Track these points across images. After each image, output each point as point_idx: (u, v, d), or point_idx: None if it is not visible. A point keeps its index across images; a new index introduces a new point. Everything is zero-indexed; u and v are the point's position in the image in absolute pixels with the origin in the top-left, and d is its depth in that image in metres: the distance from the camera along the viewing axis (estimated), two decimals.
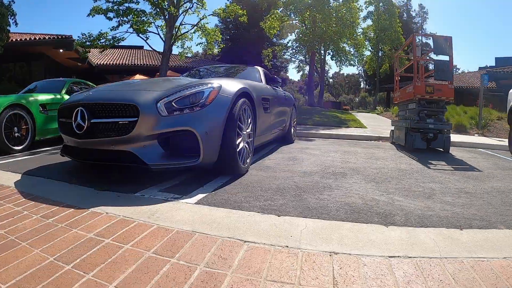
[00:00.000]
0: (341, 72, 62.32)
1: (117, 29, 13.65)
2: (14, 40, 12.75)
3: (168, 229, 1.76)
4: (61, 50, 14.63)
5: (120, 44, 15.12)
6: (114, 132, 2.58)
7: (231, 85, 3.04)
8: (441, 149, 5.84)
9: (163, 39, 14.31)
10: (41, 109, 5.13)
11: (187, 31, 15.24)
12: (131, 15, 13.26)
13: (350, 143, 6.89)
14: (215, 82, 2.92)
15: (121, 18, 13.29)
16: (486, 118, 10.58)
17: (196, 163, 2.62)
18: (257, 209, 2.12)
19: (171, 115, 2.56)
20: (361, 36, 20.42)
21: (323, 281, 1.28)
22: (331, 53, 19.20)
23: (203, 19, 14.75)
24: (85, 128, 2.65)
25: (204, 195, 2.43)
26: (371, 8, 28.18)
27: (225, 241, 1.62)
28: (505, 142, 8.15)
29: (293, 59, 25.17)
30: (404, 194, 2.64)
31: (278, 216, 1.97)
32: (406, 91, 6.36)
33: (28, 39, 13.51)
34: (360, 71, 42.38)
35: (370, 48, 27.48)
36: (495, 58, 29.07)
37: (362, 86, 63.92)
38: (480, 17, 69.18)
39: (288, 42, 22.33)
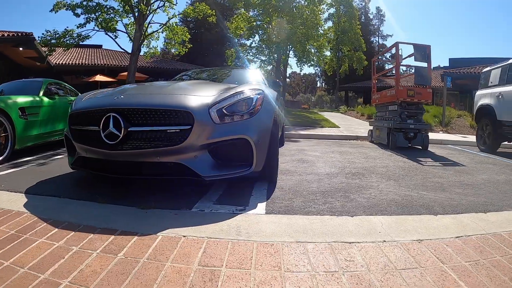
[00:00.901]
0: (297, 72, 63.99)
1: (85, 26, 13.11)
2: None
3: (274, 244, 1.72)
4: (20, 48, 13.53)
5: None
6: (161, 142, 2.33)
7: (268, 91, 3.07)
8: (420, 147, 6.47)
9: (131, 38, 14.00)
10: (21, 114, 4.53)
11: (156, 30, 15.04)
12: (99, 12, 12.80)
13: (334, 143, 7.32)
14: (257, 88, 2.83)
15: (89, 15, 12.77)
16: (448, 116, 11.63)
17: (248, 172, 2.51)
18: (326, 212, 2.26)
19: (223, 123, 2.42)
20: (322, 38, 21.16)
21: (434, 261, 1.60)
22: (296, 54, 19.80)
23: (172, 18, 14.64)
24: (120, 137, 2.34)
25: (262, 203, 2.42)
26: (332, 10, 29.41)
27: (336, 245, 1.72)
28: (467, 138, 9.13)
29: (254, 59, 25.51)
30: (424, 189, 3.03)
31: (352, 216, 2.18)
32: (387, 94, 6.94)
33: None
34: (317, 71, 43.96)
35: (329, 49, 28.61)
36: (449, 59, 31.52)
37: (318, 85, 66.10)
38: (434, 18, 74.33)
39: (251, 43, 22.47)
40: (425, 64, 6.41)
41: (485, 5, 68.89)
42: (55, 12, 13.05)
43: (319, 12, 21.15)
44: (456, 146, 7.81)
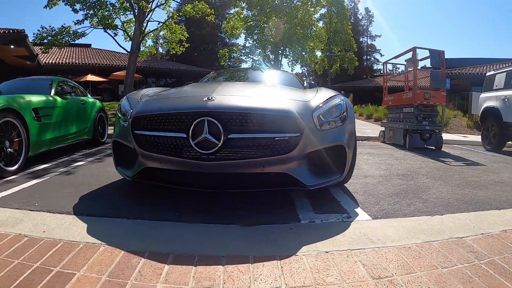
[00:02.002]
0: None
1: (83, 23, 12.98)
2: None
3: (411, 246, 1.84)
4: (12, 46, 13.11)
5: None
6: (267, 151, 2.18)
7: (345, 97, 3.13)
8: (434, 147, 6.95)
9: (129, 36, 13.94)
10: (34, 115, 4.12)
11: (156, 29, 15.07)
12: (99, 8, 12.64)
13: None
14: (337, 93, 2.86)
15: (88, 11, 12.62)
16: (445, 116, 12.27)
17: (340, 179, 2.54)
18: (417, 213, 2.49)
19: (323, 130, 2.39)
20: (316, 38, 21.68)
21: None
22: (290, 54, 20.28)
23: (171, 17, 14.70)
24: (219, 145, 2.11)
25: (358, 209, 2.53)
26: (323, 11, 29.98)
27: (455, 240, 1.94)
28: (468, 138, 9.74)
29: (245, 59, 25.85)
30: (471, 188, 3.38)
31: (441, 215, 2.44)
32: (402, 97, 7.40)
33: None
34: (304, 70, 44.66)
35: (321, 49, 29.18)
36: None
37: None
38: (425, 18, 76.27)
39: (245, 43, 22.77)
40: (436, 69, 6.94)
41: (475, 6, 71.23)
42: (50, 8, 12.81)
43: (313, 13, 21.69)
44: (461, 146, 8.34)
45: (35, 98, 4.35)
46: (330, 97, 2.66)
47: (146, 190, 2.98)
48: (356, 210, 2.51)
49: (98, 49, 24.64)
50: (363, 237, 1.96)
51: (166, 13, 14.77)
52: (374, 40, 47.09)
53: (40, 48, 13.39)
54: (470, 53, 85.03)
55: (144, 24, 13.88)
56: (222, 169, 2.20)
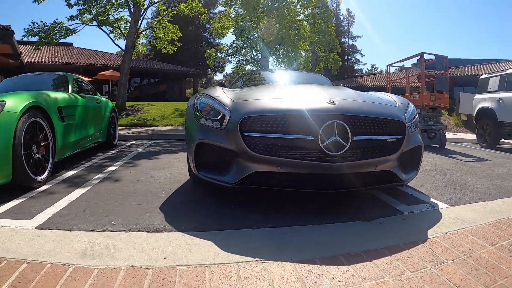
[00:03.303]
0: None
1: (77, 18, 12.76)
2: None
3: (493, 223, 2.27)
4: None
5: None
6: (380, 151, 2.43)
7: None
8: (438, 145, 7.64)
9: (123, 34, 13.86)
10: (59, 115, 3.79)
11: (150, 27, 15.09)
12: (94, 3, 12.52)
13: None
14: (402, 97, 3.18)
15: (83, 6, 12.44)
16: None
17: (416, 175, 2.91)
18: (476, 200, 2.97)
19: (411, 132, 2.70)
20: (306, 39, 22.29)
21: None
22: (283, 54, 20.77)
23: (164, 15, 14.76)
24: (346, 147, 2.25)
25: (432, 199, 2.95)
26: (307, 11, 30.71)
27: None
28: (459, 136, 10.60)
29: (230, 59, 26.17)
30: (497, 179, 3.97)
31: (493, 200, 2.96)
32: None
33: None
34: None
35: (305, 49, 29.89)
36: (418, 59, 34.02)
37: None
38: (404, 18, 78.74)
39: (233, 42, 23.05)
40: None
41: (466, 6, 74.31)
42: (38, 3, 12.46)
43: (300, 13, 22.29)
44: (458, 143, 9.12)
45: (59, 95, 4.07)
46: (407, 103, 3.00)
47: (224, 195, 2.94)
48: (431, 200, 2.91)
49: (81, 48, 24.24)
50: (458, 219, 2.37)
51: (164, 11, 14.72)
52: (355, 41, 48.99)
53: (35, 46, 12.99)
54: (458, 54, 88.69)
55: (139, 22, 13.89)
56: (346, 169, 2.32)
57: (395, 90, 11.52)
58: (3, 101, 3.02)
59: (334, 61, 29.63)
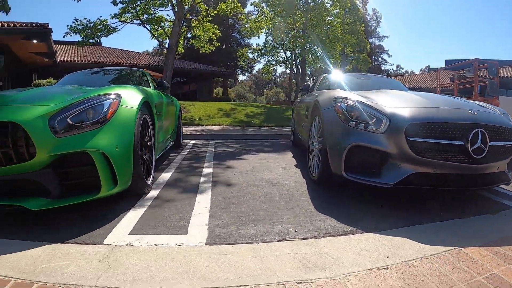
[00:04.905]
0: (287, 72, 65.29)
1: (121, 16, 12.61)
2: None
3: None
4: (35, 41, 12.69)
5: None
6: (501, 155, 2.72)
7: None
8: None
9: (166, 33, 13.74)
10: (157, 113, 3.56)
11: (194, 26, 14.84)
12: (138, 1, 12.33)
13: None
14: None
15: (129, 5, 12.26)
16: None
17: None
18: None
19: None
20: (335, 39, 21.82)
21: None
22: (318, 55, 20.39)
23: (206, 15, 14.50)
24: (485, 152, 2.56)
25: None
26: (335, 11, 30.24)
27: None
28: None
29: (259, 59, 25.87)
30: None
31: None
32: None
33: None
34: (309, 70, 45.26)
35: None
36: (446, 60, 33.30)
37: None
38: (431, 20, 77.76)
39: (266, 42, 22.70)
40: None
41: (480, 6, 73.01)
42: (78, 1, 12.33)
43: (331, 13, 21.83)
44: None
45: (152, 92, 3.84)
46: (506, 113, 3.19)
47: (356, 196, 2.96)
48: None
49: (110, 47, 24.14)
50: None
51: (205, 10, 14.45)
52: (382, 41, 48.21)
53: (83, 42, 12.80)
54: (475, 53, 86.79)
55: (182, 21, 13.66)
56: (484, 170, 2.63)
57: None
58: (117, 94, 2.64)
59: (364, 62, 28.99)
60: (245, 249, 1.86)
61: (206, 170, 4.00)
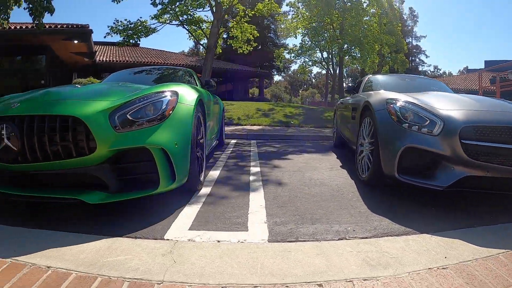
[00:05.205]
0: (323, 73, 64.65)
1: (161, 17, 12.95)
2: (14, 28, 11.11)
3: None
4: (75, 41, 13.27)
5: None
6: None
7: None
8: None
9: (205, 34, 13.93)
10: (207, 111, 3.58)
11: (232, 26, 14.99)
12: (177, 2, 12.59)
13: None
14: None
15: (169, 6, 12.54)
16: None
17: None
18: None
19: None
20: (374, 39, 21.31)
21: None
22: (359, 56, 20.07)
23: (244, 15, 14.59)
24: None
25: None
26: (371, 11, 29.60)
27: None
28: None
29: (295, 59, 25.70)
30: None
31: None
32: None
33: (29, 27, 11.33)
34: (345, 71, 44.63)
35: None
36: (485, 61, 31.78)
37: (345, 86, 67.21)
38: (469, 19, 74.62)
39: (302, 43, 22.52)
40: None
41: None
42: (117, 3, 12.70)
43: (367, 12, 21.33)
44: None
45: (201, 90, 3.78)
46: None
47: (404, 197, 2.93)
48: None
49: (147, 48, 24.74)
50: None
51: (243, 10, 14.54)
52: (419, 41, 46.60)
53: (125, 42, 13.24)
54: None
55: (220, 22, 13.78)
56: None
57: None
58: (174, 91, 2.67)
59: (401, 63, 28.17)
60: (309, 247, 1.86)
61: (253, 169, 4.02)
